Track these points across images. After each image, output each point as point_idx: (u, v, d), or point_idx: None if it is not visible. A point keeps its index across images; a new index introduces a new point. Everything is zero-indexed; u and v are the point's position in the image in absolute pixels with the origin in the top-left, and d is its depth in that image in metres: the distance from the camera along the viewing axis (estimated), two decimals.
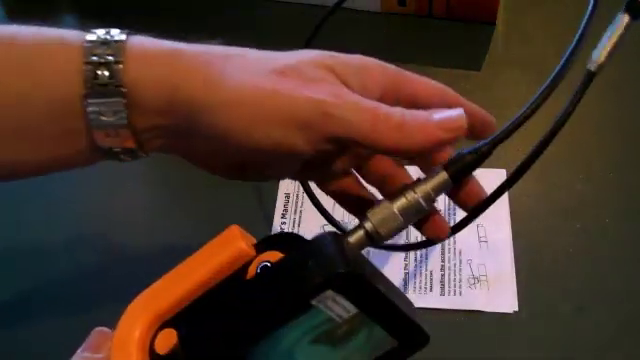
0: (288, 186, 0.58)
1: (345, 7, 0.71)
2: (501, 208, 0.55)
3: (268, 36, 0.70)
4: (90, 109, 0.34)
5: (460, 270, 0.52)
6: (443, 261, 0.53)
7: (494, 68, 0.66)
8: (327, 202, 0.57)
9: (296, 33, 0.72)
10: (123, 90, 0.33)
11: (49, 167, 0.37)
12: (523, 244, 0.53)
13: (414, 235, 0.54)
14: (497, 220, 0.55)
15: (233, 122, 0.33)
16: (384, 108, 0.33)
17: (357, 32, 0.69)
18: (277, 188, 0.58)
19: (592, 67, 0.36)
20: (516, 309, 0.50)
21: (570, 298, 0.50)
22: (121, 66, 0.33)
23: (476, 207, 0.38)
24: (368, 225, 0.33)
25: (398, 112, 0.33)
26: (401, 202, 0.34)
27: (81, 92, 0.34)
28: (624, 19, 0.37)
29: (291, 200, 0.57)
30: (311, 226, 0.56)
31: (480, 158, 0.35)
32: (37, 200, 0.58)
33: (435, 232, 0.39)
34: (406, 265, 0.53)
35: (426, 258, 0.53)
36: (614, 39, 0.36)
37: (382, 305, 0.30)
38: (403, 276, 0.52)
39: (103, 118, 0.34)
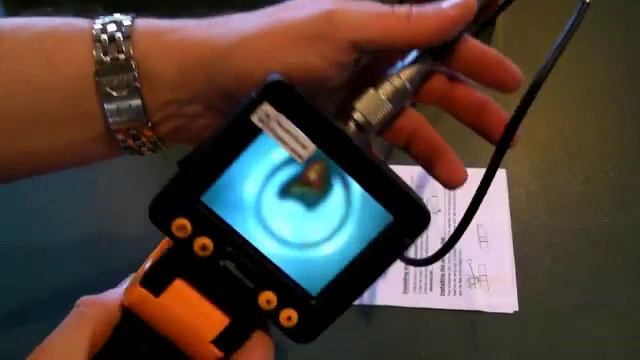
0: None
1: None
2: (501, 208, 0.55)
3: None
4: (102, 87, 0.34)
5: (460, 270, 0.52)
6: (443, 261, 0.53)
7: None
8: None
9: None
10: (134, 64, 0.34)
11: (67, 159, 0.37)
12: (523, 244, 0.53)
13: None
14: (497, 220, 0.55)
15: (247, 60, 0.32)
16: (388, 6, 0.33)
17: None
18: None
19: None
20: (516, 309, 0.50)
21: (570, 298, 0.50)
22: (130, 41, 0.34)
23: (472, 206, 0.37)
24: (357, 115, 0.33)
25: (404, 6, 0.33)
26: (386, 87, 0.33)
27: (93, 70, 0.34)
28: None
29: None
30: None
31: (459, 34, 0.34)
32: (38, 198, 0.58)
33: (450, 175, 0.38)
34: (406, 265, 0.53)
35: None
36: None
37: (336, 137, 0.29)
38: (403, 276, 0.52)
39: (115, 94, 0.34)
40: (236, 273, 0.30)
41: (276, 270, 0.31)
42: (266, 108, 0.29)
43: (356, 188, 0.30)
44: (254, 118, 0.29)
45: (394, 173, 0.30)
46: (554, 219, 0.55)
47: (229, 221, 0.30)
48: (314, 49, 0.32)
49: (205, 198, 0.30)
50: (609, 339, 0.49)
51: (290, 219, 0.30)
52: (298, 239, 0.31)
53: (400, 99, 0.33)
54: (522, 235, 0.54)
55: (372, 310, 0.51)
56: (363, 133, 0.33)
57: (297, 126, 0.29)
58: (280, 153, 0.29)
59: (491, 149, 0.61)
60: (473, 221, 0.55)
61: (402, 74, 0.33)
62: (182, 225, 0.30)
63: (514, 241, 0.53)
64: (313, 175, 0.30)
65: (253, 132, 0.29)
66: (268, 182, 0.30)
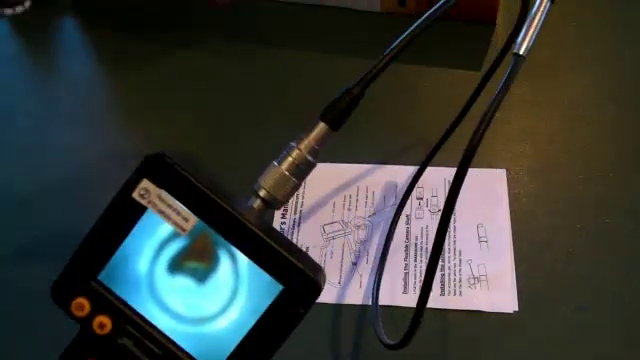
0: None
1: (345, 7, 0.71)
2: (501, 208, 0.55)
3: (268, 36, 0.70)
4: None
5: (460, 270, 0.52)
6: (443, 261, 0.53)
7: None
8: (326, 203, 0.57)
9: (296, 33, 0.72)
10: None
11: None
12: (523, 244, 0.53)
13: (414, 235, 0.55)
14: (497, 220, 0.55)
15: None
16: None
17: (357, 32, 0.69)
18: None
19: (521, 51, 0.37)
20: (516, 309, 0.50)
21: (570, 298, 0.50)
22: None
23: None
24: (262, 193, 0.33)
25: None
26: (288, 162, 0.33)
27: None
28: (545, 3, 0.38)
29: (291, 200, 0.57)
30: (311, 226, 0.56)
31: (353, 101, 0.34)
32: (38, 196, 0.59)
33: None
34: (406, 265, 0.53)
35: (426, 258, 0.53)
36: (536, 22, 0.37)
37: (216, 208, 0.30)
38: (403, 276, 0.52)
39: None
40: (135, 351, 0.31)
41: (174, 347, 0.31)
42: (146, 184, 0.30)
43: (243, 259, 0.30)
44: (135, 195, 0.30)
45: (284, 241, 0.31)
46: (554, 219, 0.55)
47: (126, 298, 0.31)
48: None
49: (102, 276, 0.31)
50: (609, 339, 0.49)
51: (183, 294, 0.31)
52: (193, 314, 0.31)
53: (304, 172, 0.34)
54: (522, 235, 0.54)
55: (372, 310, 0.51)
56: (270, 208, 0.33)
57: (177, 199, 0.30)
58: (166, 228, 0.30)
59: (491, 150, 0.62)
60: (473, 221, 0.55)
61: (303, 147, 0.33)
62: (80, 304, 0.31)
63: (514, 241, 0.53)
64: (199, 248, 0.30)
65: (138, 209, 0.30)
66: (158, 257, 0.30)
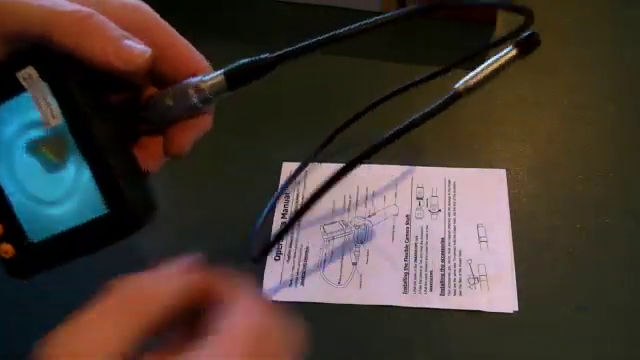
0: (288, 186, 0.58)
1: (345, 7, 0.71)
2: (501, 208, 0.55)
3: (268, 36, 0.70)
4: None
5: (460, 270, 0.52)
6: (443, 261, 0.53)
7: None
8: (326, 203, 0.57)
9: (296, 33, 0.72)
10: None
11: None
12: (523, 244, 0.53)
13: (414, 235, 0.54)
14: (497, 220, 0.55)
15: None
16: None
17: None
18: (277, 188, 0.58)
19: (461, 88, 0.38)
20: (516, 309, 0.50)
21: (570, 298, 0.50)
22: None
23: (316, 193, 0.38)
24: (146, 114, 0.35)
25: (85, 9, 0.32)
26: (174, 91, 0.34)
27: None
28: (512, 52, 0.40)
29: (291, 200, 0.57)
30: (311, 226, 0.56)
31: (260, 69, 0.35)
32: None
33: (171, 141, 0.36)
34: (406, 265, 0.53)
35: (426, 258, 0.53)
36: (494, 66, 0.40)
37: (84, 119, 0.32)
38: (403, 276, 0.52)
39: None
40: None
41: (10, 208, 0.34)
42: (31, 72, 0.32)
43: (87, 172, 0.32)
44: (19, 75, 0.32)
45: (131, 170, 0.34)
46: (554, 219, 0.55)
47: None
48: None
49: None
50: (609, 339, 0.49)
51: (30, 173, 0.33)
52: (33, 192, 0.34)
53: (186, 108, 0.35)
54: (522, 235, 0.54)
55: (372, 310, 0.51)
56: (146, 125, 0.35)
57: (54, 96, 0.32)
58: (36, 114, 0.32)
59: (491, 150, 0.62)
60: (473, 221, 0.55)
61: (196, 89, 0.34)
62: None
63: (514, 241, 0.53)
64: (56, 144, 0.32)
65: (18, 87, 0.32)
66: (22, 134, 0.33)
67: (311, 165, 0.59)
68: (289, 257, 0.54)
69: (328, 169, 0.59)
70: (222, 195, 0.58)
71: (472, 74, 0.38)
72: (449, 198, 0.57)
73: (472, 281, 0.52)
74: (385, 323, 0.50)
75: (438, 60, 0.66)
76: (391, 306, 0.51)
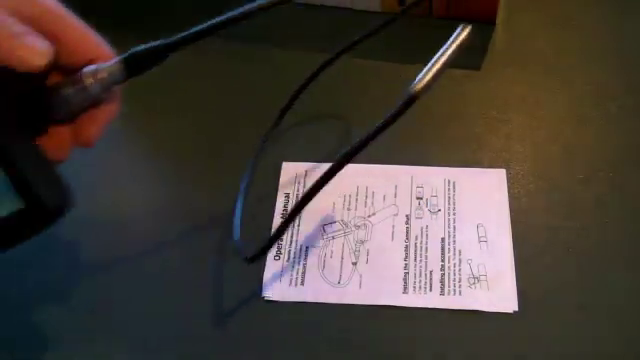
0: (288, 186, 0.58)
1: (345, 7, 0.71)
2: (501, 208, 0.55)
3: (268, 36, 0.70)
4: None
5: (460, 270, 0.52)
6: (443, 261, 0.53)
7: (494, 68, 0.66)
8: (326, 203, 0.57)
9: (296, 33, 0.72)
10: None
11: None
12: (523, 244, 0.53)
13: (414, 235, 0.54)
14: (497, 220, 0.55)
15: None
16: None
17: (357, 32, 0.68)
18: (277, 188, 0.58)
19: (413, 91, 0.38)
20: (516, 309, 0.50)
21: (570, 298, 0.50)
22: None
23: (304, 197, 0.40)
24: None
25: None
26: (73, 80, 0.35)
27: None
28: (463, 33, 0.41)
29: (291, 200, 0.57)
30: (311, 226, 0.56)
31: (153, 55, 0.35)
32: None
33: (80, 131, 0.37)
34: (406, 265, 0.53)
35: (426, 258, 0.53)
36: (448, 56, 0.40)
37: None
38: (403, 276, 0.52)
39: None
40: None
41: None
42: None
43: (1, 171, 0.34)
44: None
45: (40, 165, 0.35)
46: (554, 219, 0.55)
47: None
48: None
49: None
50: (609, 339, 0.49)
51: None
52: None
53: (87, 99, 0.35)
54: (522, 235, 0.54)
55: (372, 310, 0.51)
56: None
57: None
58: None
59: (491, 150, 0.62)
60: (473, 221, 0.55)
61: (94, 77, 0.35)
62: None
63: (514, 241, 0.53)
64: None
65: None
66: None
67: (311, 165, 0.59)
68: (289, 257, 0.54)
69: (325, 169, 0.59)
70: (222, 195, 0.58)
71: (424, 74, 0.38)
72: (449, 198, 0.57)
73: (472, 281, 0.52)
74: (385, 323, 0.50)
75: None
76: (391, 306, 0.51)
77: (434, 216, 0.56)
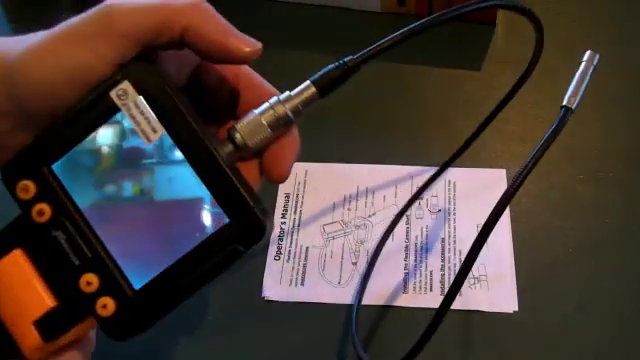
0: (288, 186, 0.58)
1: (345, 7, 0.71)
2: None
3: (268, 36, 0.70)
4: None
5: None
6: (443, 261, 0.53)
7: (494, 68, 0.66)
8: (326, 203, 0.57)
9: (297, 33, 0.72)
10: None
11: None
12: (523, 244, 0.53)
13: (414, 235, 0.55)
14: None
15: (32, 69, 0.30)
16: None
17: (357, 32, 0.69)
18: (277, 188, 0.58)
19: (571, 105, 0.40)
20: (516, 309, 0.50)
21: (570, 298, 0.50)
22: None
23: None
24: (237, 136, 0.33)
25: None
26: (269, 114, 0.33)
27: None
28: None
29: (291, 200, 0.57)
30: (311, 226, 0.56)
31: (346, 72, 0.34)
32: None
33: (272, 167, 0.35)
34: (406, 265, 0.53)
35: (426, 258, 0.53)
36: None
37: (184, 128, 0.30)
38: (403, 276, 0.52)
39: None
40: (65, 246, 0.30)
41: (104, 252, 0.30)
42: (126, 86, 0.30)
43: (201, 188, 0.30)
44: (112, 94, 0.30)
45: (244, 181, 0.31)
46: (554, 219, 0.55)
47: (72, 193, 0.31)
48: (91, 49, 0.30)
49: (55, 166, 0.31)
50: (609, 339, 0.49)
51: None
52: None
53: (281, 127, 0.34)
54: (522, 235, 0.54)
55: (372, 310, 0.51)
56: (239, 152, 0.33)
57: (152, 109, 0.30)
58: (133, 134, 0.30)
59: (491, 150, 0.62)
60: (473, 221, 0.55)
61: (287, 103, 0.33)
62: (26, 186, 0.30)
63: (514, 241, 0.53)
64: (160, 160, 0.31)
65: (112, 108, 0.30)
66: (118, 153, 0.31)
67: (311, 165, 0.59)
68: (289, 257, 0.54)
69: (328, 169, 0.59)
70: None
71: (574, 89, 0.39)
72: (449, 198, 0.57)
73: (472, 281, 0.52)
74: (385, 323, 0.50)
75: (437, 60, 0.67)
76: (391, 306, 0.51)
77: (434, 216, 0.56)
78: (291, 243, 0.55)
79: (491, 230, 0.36)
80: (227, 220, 0.30)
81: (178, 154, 0.30)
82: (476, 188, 0.57)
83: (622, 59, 0.66)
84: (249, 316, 0.51)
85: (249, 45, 0.33)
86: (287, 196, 0.58)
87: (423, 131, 0.62)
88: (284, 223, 0.56)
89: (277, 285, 0.52)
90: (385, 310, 0.51)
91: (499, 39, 0.68)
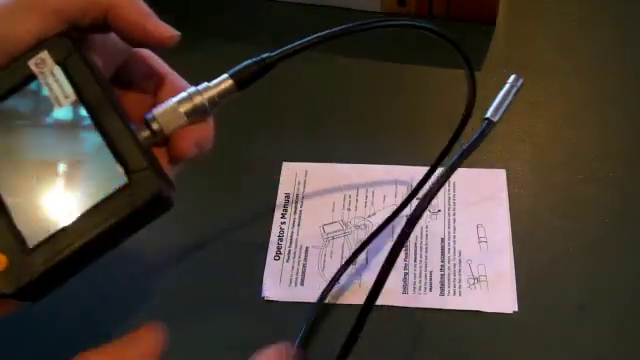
0: (288, 186, 0.58)
1: (345, 7, 0.71)
2: (501, 208, 0.55)
3: (268, 36, 0.70)
4: None
5: (460, 270, 0.52)
6: (443, 261, 0.53)
7: (494, 68, 0.66)
8: (326, 203, 0.57)
9: (297, 33, 0.72)
10: None
11: None
12: (523, 244, 0.53)
13: (414, 235, 0.54)
14: (497, 220, 0.55)
15: None
16: None
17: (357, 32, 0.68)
18: (277, 188, 0.58)
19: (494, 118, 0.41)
20: (516, 309, 0.50)
21: (570, 298, 0.50)
22: None
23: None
24: (154, 123, 0.34)
25: None
26: (187, 103, 0.34)
27: None
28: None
29: (291, 200, 0.57)
30: (311, 226, 0.56)
31: (263, 69, 0.35)
32: None
33: (176, 142, 0.35)
34: (406, 265, 0.53)
35: (426, 258, 0.53)
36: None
37: (96, 96, 0.31)
38: (403, 276, 0.52)
39: None
40: None
41: (1, 209, 0.30)
42: (44, 56, 0.31)
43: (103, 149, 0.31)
44: (31, 63, 0.31)
45: (151, 153, 0.33)
46: (554, 219, 0.55)
47: None
48: (20, 21, 0.31)
49: None
50: (609, 339, 0.49)
51: None
52: None
53: (197, 116, 0.35)
54: (522, 235, 0.54)
55: (372, 310, 0.51)
56: (154, 138, 0.34)
57: (67, 79, 0.31)
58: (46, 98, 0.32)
59: (491, 150, 0.62)
60: (473, 221, 0.55)
61: (205, 93, 0.35)
62: None
63: (514, 241, 0.53)
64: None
65: (29, 77, 0.31)
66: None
67: (311, 165, 0.59)
68: (289, 257, 0.54)
69: (328, 169, 0.59)
70: (221, 195, 0.58)
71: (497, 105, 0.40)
72: (449, 198, 0.57)
73: (472, 281, 0.52)
74: (385, 323, 0.50)
75: (437, 60, 0.67)
76: (391, 306, 0.51)
77: (434, 216, 0.56)
78: (291, 243, 0.55)
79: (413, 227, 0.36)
80: (126, 181, 0.31)
81: (86, 119, 0.31)
82: (476, 188, 0.57)
83: (622, 59, 0.66)
84: (249, 316, 0.51)
85: (167, 31, 0.34)
86: (287, 196, 0.58)
87: (423, 131, 0.62)
88: (284, 223, 0.56)
89: (277, 285, 0.52)
90: (385, 310, 0.51)
91: (499, 39, 0.68)
